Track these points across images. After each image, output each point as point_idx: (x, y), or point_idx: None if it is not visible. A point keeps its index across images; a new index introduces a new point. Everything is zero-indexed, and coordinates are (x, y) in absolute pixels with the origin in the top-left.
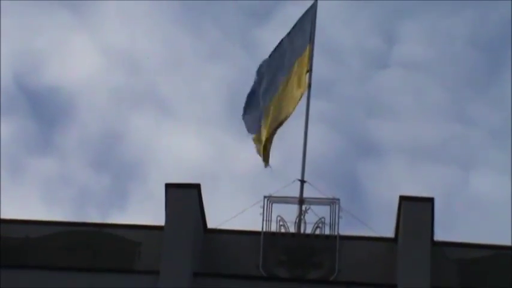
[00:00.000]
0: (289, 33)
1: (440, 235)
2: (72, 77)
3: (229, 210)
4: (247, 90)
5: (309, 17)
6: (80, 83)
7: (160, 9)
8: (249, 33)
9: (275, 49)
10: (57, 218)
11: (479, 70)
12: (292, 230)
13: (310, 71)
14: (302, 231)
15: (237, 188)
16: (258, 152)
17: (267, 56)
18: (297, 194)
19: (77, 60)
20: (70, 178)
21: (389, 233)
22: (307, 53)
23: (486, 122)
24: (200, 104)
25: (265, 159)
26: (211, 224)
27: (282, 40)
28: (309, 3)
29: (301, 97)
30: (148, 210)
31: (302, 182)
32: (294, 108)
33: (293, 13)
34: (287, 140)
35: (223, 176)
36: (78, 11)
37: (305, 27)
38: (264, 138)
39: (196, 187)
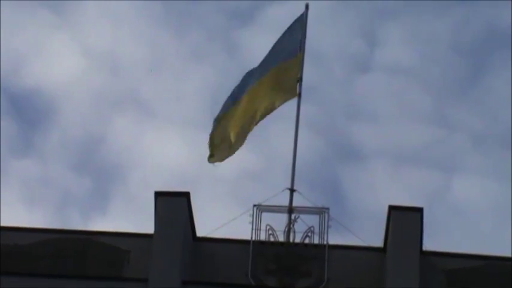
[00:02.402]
0: (277, 42)
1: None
2: (53, 78)
3: (218, 218)
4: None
5: (298, 25)
6: (61, 85)
7: (142, 10)
8: (232, 35)
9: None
10: (39, 221)
11: (461, 74)
12: (281, 238)
13: (300, 80)
14: (291, 240)
15: (223, 192)
16: (211, 146)
17: (249, 58)
18: (285, 201)
19: (58, 61)
20: (51, 181)
21: (378, 242)
22: (297, 61)
23: (468, 126)
24: (182, 106)
25: (219, 156)
26: (200, 232)
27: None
28: (292, 5)
29: (283, 102)
30: (130, 214)
31: (291, 191)
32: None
33: (276, 15)
34: (275, 146)
35: (207, 179)
36: (59, 11)
37: (294, 34)
38: (228, 137)
39: (186, 195)
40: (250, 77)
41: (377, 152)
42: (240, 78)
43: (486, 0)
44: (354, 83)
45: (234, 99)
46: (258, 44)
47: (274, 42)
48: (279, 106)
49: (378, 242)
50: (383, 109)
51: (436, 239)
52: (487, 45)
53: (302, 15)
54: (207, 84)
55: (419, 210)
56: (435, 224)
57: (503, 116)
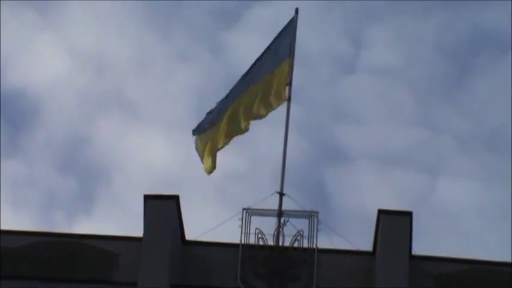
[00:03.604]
0: (267, 49)
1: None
2: (38, 78)
3: (206, 221)
4: (215, 92)
5: (287, 30)
6: (46, 85)
7: (128, 10)
8: (218, 36)
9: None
10: (24, 222)
11: (446, 76)
12: (270, 242)
13: (290, 84)
14: (280, 243)
15: (210, 195)
16: (200, 153)
17: (235, 59)
18: (274, 204)
19: (43, 61)
20: (36, 181)
21: (368, 246)
22: (286, 66)
23: (453, 128)
24: (168, 107)
25: (211, 164)
26: (189, 235)
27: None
28: (278, 6)
29: (273, 109)
30: (115, 215)
31: (281, 194)
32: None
33: (262, 16)
34: (262, 148)
35: (193, 181)
36: (44, 11)
37: (284, 39)
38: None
39: (175, 198)
40: (239, 85)
41: (363, 154)
42: (226, 79)
43: (470, 2)
44: (339, 85)
45: (222, 110)
46: (243, 45)
47: (264, 47)
48: (268, 113)
49: (367, 245)
50: (369, 111)
51: (422, 241)
52: (472, 47)
53: (292, 20)
54: (192, 85)
55: (409, 214)
56: (421, 226)
57: (488, 117)
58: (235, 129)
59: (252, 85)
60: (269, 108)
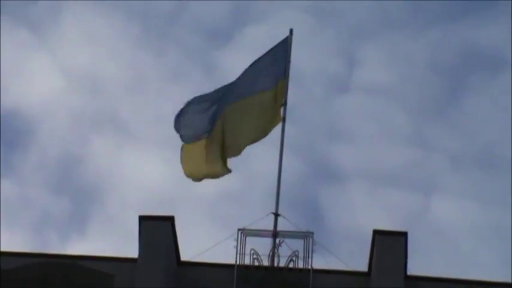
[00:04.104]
0: (257, 60)
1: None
2: (32, 98)
3: (201, 241)
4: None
5: (281, 50)
6: (39, 105)
7: (121, 30)
8: (210, 55)
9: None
10: (17, 243)
11: (439, 94)
12: (265, 263)
13: (285, 104)
14: (276, 264)
15: (204, 214)
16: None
17: (228, 78)
18: (268, 224)
19: (36, 81)
20: (30, 202)
21: (363, 266)
22: (281, 87)
23: (446, 147)
24: (162, 126)
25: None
26: (184, 255)
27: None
28: (270, 26)
29: (272, 129)
30: (109, 235)
31: (276, 215)
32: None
33: (254, 35)
34: (255, 167)
35: (187, 201)
36: (38, 31)
37: (279, 58)
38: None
39: (170, 219)
40: (228, 92)
41: (357, 173)
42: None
43: (463, 20)
44: (333, 104)
45: (212, 120)
46: (236, 64)
47: (255, 59)
48: (265, 136)
49: (362, 266)
50: (362, 130)
51: (416, 260)
52: (464, 65)
53: (286, 39)
54: None
55: (404, 235)
56: (415, 245)
57: (480, 136)
58: (232, 151)
59: (244, 98)
60: (267, 131)
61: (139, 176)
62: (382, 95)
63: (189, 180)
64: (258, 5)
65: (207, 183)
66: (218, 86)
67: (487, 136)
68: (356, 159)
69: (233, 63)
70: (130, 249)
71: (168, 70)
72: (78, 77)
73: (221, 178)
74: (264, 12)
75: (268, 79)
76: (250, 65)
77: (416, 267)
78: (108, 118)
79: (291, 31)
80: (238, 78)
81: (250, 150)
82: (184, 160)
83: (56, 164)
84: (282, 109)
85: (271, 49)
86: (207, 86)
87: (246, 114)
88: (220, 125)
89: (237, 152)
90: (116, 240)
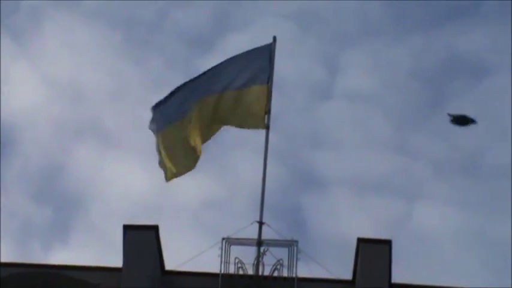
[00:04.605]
0: (236, 58)
1: None
2: (13, 107)
3: (185, 250)
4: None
5: (264, 55)
6: (21, 114)
7: (102, 39)
8: (192, 63)
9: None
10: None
11: (422, 101)
12: (250, 271)
13: (269, 112)
14: (260, 273)
15: (188, 223)
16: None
17: None
18: (252, 232)
19: (18, 90)
20: (12, 211)
21: (347, 274)
22: (264, 91)
23: (429, 154)
24: (144, 135)
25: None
26: (168, 264)
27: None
28: (252, 33)
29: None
30: (92, 244)
31: (260, 223)
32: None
33: (236, 43)
34: (238, 175)
35: (170, 209)
36: (19, 40)
37: (261, 61)
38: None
39: (154, 228)
40: (201, 85)
41: (340, 181)
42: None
43: (445, 27)
44: (315, 111)
45: (183, 109)
46: None
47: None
48: (245, 128)
49: (346, 274)
50: (345, 137)
51: (399, 267)
52: (447, 72)
53: (269, 45)
54: None
55: (388, 243)
56: (398, 252)
57: (464, 142)
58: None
59: (218, 93)
60: (243, 124)
61: (122, 184)
62: (365, 102)
63: (173, 189)
64: (239, 12)
65: (190, 191)
66: None
67: (470, 142)
68: (339, 166)
69: None
70: (114, 258)
71: (150, 78)
72: (60, 86)
73: (204, 187)
74: (246, 19)
75: (247, 77)
76: (227, 61)
77: (399, 274)
78: (90, 126)
79: (275, 38)
80: (214, 72)
81: (230, 156)
82: (161, 151)
83: (38, 173)
84: (266, 117)
85: (252, 50)
86: None
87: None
88: (192, 114)
89: (209, 135)
90: (99, 249)
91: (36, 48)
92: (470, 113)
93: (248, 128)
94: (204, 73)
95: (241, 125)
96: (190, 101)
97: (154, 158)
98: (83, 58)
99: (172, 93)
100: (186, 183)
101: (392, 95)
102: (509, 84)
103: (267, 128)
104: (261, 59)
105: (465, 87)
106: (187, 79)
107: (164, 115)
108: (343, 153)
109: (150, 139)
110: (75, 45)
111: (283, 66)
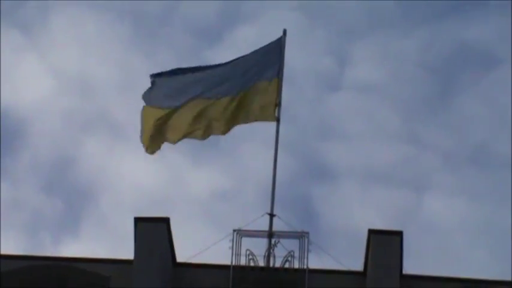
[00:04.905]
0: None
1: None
2: (23, 99)
3: (196, 241)
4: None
5: (274, 49)
6: (31, 106)
7: (111, 31)
8: (201, 55)
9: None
10: (9, 244)
11: (430, 92)
12: (261, 263)
13: (279, 105)
14: (271, 264)
15: (198, 214)
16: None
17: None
18: (263, 224)
19: (28, 82)
20: (22, 203)
21: (358, 265)
22: (274, 85)
23: (438, 144)
24: None
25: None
26: (179, 256)
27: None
28: (260, 25)
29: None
30: (102, 236)
31: (271, 215)
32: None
33: (244, 35)
34: (247, 167)
35: (180, 200)
36: (29, 32)
37: (271, 56)
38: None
39: (166, 221)
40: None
41: (349, 171)
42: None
43: (454, 18)
44: (324, 102)
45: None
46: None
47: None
48: (257, 121)
49: (357, 265)
50: (354, 128)
51: (409, 258)
52: (455, 63)
53: (279, 39)
54: None
55: (399, 234)
56: (408, 243)
57: (472, 133)
58: (216, 128)
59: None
60: (253, 118)
61: (132, 176)
62: (373, 93)
63: (183, 180)
64: (248, 4)
65: (200, 183)
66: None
67: (478, 133)
68: (348, 157)
69: (223, 62)
70: (124, 250)
71: (159, 70)
72: (69, 78)
73: (214, 179)
74: (254, 11)
75: (260, 73)
76: (239, 59)
77: (409, 265)
78: (99, 119)
79: (285, 32)
80: (224, 71)
81: (239, 148)
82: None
83: (48, 165)
84: (276, 110)
85: (263, 47)
86: None
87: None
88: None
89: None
90: (109, 241)
91: (45, 41)
92: (478, 104)
93: (259, 120)
94: (214, 67)
95: (252, 119)
96: (189, 95)
97: (164, 150)
98: (92, 51)
99: (176, 73)
100: (196, 175)
101: (401, 86)
102: None
103: (278, 120)
104: (272, 54)
105: (474, 78)
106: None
107: (159, 93)
108: (352, 144)
109: None
110: (84, 38)
111: (292, 58)
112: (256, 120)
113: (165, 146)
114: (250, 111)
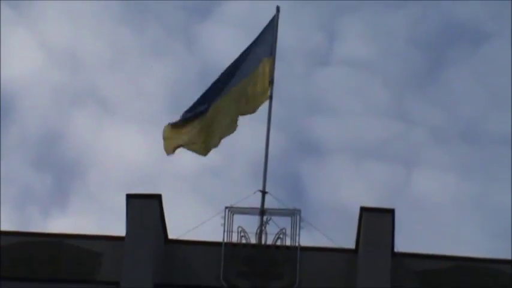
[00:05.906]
0: (250, 46)
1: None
2: (11, 74)
3: (187, 218)
4: (190, 87)
5: (270, 29)
6: (19, 81)
7: (101, 6)
8: (191, 30)
9: (235, 60)
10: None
11: (420, 68)
12: (253, 241)
13: (272, 82)
14: (263, 242)
15: (187, 191)
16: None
17: (209, 53)
18: (255, 201)
19: (16, 57)
20: (10, 177)
21: (350, 243)
22: (267, 64)
23: (428, 120)
24: (143, 102)
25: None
26: (171, 234)
27: (243, 52)
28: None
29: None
30: (90, 211)
31: (263, 193)
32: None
33: (235, 10)
34: (243, 145)
35: (169, 176)
36: (17, 6)
37: (266, 38)
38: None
39: (157, 198)
40: (222, 82)
41: (339, 148)
42: (201, 73)
43: None
44: (313, 77)
45: (205, 106)
46: (218, 38)
47: (239, 41)
48: (252, 112)
49: (349, 242)
50: (343, 103)
51: (400, 235)
52: (446, 39)
53: (273, 19)
54: (167, 80)
55: (391, 212)
56: (398, 220)
57: (462, 109)
58: (226, 130)
59: (237, 84)
60: (256, 105)
61: (121, 151)
62: (363, 69)
63: (172, 156)
64: None
65: (190, 159)
66: (199, 61)
67: (468, 109)
68: (338, 133)
69: (215, 37)
70: (114, 225)
71: (149, 45)
72: (59, 53)
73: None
74: None
75: (256, 58)
76: (242, 53)
77: (401, 242)
78: (89, 94)
79: (278, 9)
80: (231, 68)
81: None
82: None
83: (36, 140)
84: (269, 87)
85: (260, 34)
86: (188, 61)
87: (239, 95)
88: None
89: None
90: (98, 216)
91: (34, 15)
92: (469, 80)
93: (258, 106)
94: (224, 71)
95: (253, 109)
96: (210, 101)
97: (153, 125)
98: (82, 25)
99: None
100: (186, 151)
101: (390, 62)
102: (509, 50)
103: (270, 97)
104: (266, 34)
105: (464, 53)
106: (186, 46)
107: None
108: (341, 119)
109: (148, 107)
110: (74, 13)
111: (281, 33)
112: (257, 107)
113: (153, 120)
114: (251, 100)
